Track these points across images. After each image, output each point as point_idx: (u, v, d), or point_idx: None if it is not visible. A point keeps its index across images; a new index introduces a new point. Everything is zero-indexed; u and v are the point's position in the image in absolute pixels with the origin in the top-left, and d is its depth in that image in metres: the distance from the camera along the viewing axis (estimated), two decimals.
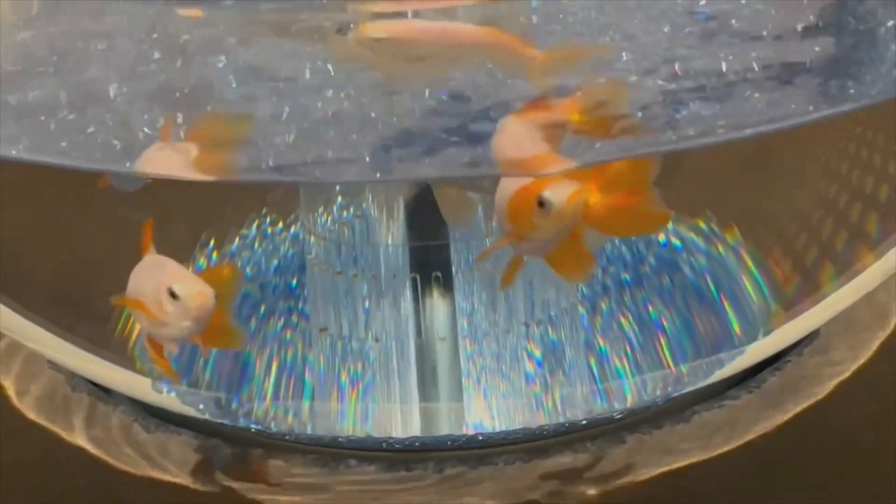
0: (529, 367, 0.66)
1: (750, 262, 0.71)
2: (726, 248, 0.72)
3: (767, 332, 0.70)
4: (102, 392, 0.71)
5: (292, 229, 0.74)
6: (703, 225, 0.72)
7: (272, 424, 0.67)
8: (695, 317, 0.70)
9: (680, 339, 0.69)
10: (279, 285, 0.72)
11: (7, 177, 0.66)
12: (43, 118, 0.56)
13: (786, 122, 0.54)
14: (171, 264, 0.59)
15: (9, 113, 0.56)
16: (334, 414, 0.67)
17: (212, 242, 0.73)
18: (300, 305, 0.70)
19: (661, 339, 0.69)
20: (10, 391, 0.72)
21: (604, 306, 0.70)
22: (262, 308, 0.71)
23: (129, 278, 0.59)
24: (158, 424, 0.68)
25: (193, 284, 0.57)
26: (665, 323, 0.69)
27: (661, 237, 0.72)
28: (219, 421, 0.68)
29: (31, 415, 0.71)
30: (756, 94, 0.54)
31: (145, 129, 0.55)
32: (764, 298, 0.71)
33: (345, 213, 0.68)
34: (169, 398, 0.69)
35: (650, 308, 0.70)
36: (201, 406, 0.68)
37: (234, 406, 0.68)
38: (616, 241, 0.71)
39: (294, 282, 0.72)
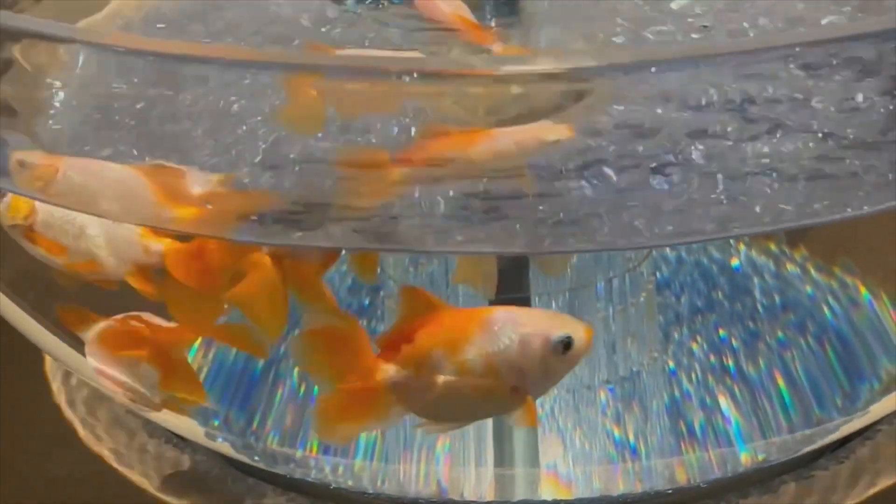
0: (614, 429, 0.65)
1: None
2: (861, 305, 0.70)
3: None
4: (179, 440, 0.71)
5: None
6: (834, 283, 0.70)
7: (332, 480, 0.66)
8: (805, 382, 0.68)
9: (784, 405, 0.67)
10: (352, 305, 0.71)
11: None
12: None
13: None
14: None
15: None
16: (404, 473, 0.66)
17: None
18: (374, 325, 0.69)
19: (764, 404, 0.67)
20: (86, 437, 0.72)
21: (696, 363, 0.68)
22: None
23: None
24: (237, 477, 0.68)
25: None
26: (770, 385, 0.67)
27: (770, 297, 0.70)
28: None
29: (108, 460, 0.70)
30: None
31: None
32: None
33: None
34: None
35: (748, 367, 0.68)
36: (256, 458, 0.67)
37: (290, 464, 0.66)
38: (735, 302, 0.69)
39: (367, 301, 0.71)
